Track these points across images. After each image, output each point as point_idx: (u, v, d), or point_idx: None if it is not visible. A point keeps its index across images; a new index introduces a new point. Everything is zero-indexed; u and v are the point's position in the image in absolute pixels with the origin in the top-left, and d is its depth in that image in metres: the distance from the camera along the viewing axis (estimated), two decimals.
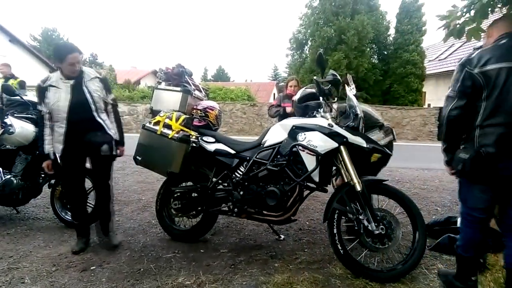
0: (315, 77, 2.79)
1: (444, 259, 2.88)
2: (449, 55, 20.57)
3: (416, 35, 18.12)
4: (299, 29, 19.66)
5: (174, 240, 3.24)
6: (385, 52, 19.37)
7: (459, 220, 3.19)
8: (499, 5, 2.76)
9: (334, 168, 2.85)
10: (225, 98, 16.48)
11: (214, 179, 3.11)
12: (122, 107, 14.26)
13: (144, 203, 4.39)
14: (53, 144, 2.84)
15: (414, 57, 17.61)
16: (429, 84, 19.74)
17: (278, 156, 2.84)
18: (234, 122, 14.44)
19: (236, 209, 2.96)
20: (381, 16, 19.16)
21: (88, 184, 3.60)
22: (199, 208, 3.16)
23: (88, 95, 2.85)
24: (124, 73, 27.34)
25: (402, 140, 12.91)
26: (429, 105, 19.44)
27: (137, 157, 3.15)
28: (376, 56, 19.67)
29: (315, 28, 18.15)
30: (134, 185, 5.29)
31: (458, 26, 2.68)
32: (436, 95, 19.94)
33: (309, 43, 19.15)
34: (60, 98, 2.75)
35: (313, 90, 2.95)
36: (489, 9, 2.64)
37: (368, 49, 18.78)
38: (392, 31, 19.31)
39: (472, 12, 2.67)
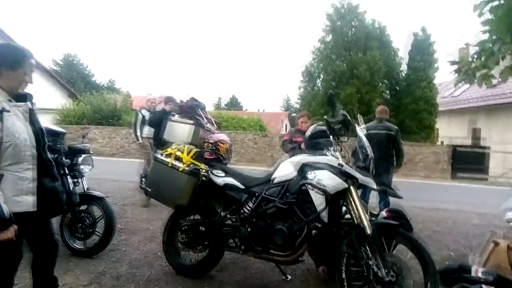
0: (325, 117, 2.82)
1: None
2: (462, 92, 20.57)
3: (429, 71, 18.25)
4: (311, 62, 20.03)
5: (179, 274, 3.19)
6: (397, 88, 19.49)
7: (473, 268, 3.08)
8: (509, 52, 2.80)
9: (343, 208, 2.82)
10: (238, 128, 16.66)
11: (222, 213, 3.10)
12: None
13: (152, 232, 4.36)
14: (12, 199, 1.87)
15: (426, 93, 17.65)
16: (442, 121, 19.65)
17: (287, 194, 2.82)
18: (245, 152, 14.50)
19: (243, 246, 2.92)
20: (393, 52, 19.44)
21: (97, 212, 3.64)
22: (206, 243, 3.13)
23: (40, 123, 2.13)
24: (140, 100, 28.00)
25: (414, 177, 12.71)
26: (442, 142, 19.24)
27: (147, 188, 3.17)
28: (388, 92, 19.77)
29: (328, 62, 18.48)
30: (143, 213, 5.29)
31: (469, 71, 2.72)
32: (448, 132, 19.78)
33: (321, 76, 19.44)
34: (21, 128, 1.94)
35: (324, 128, 2.97)
36: (500, 56, 2.68)
37: (380, 84, 18.94)
38: (404, 67, 19.52)
39: (483, 59, 2.71)
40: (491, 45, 2.84)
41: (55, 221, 3.93)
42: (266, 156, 14.31)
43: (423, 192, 9.12)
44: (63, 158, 3.52)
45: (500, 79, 2.82)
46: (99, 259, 3.47)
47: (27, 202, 1.94)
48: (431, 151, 14.24)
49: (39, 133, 2.09)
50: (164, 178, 3.10)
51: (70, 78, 34.59)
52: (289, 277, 3.24)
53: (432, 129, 18.28)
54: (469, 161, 13.09)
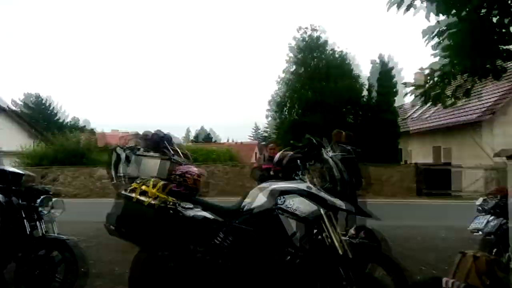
0: (291, 141, 2.86)
1: None
2: (420, 113, 21.67)
3: (389, 96, 19.21)
4: (277, 92, 20.61)
5: None
6: (360, 112, 20.28)
7: (443, 280, 3.11)
8: (459, 74, 3.01)
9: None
10: (207, 160, 16.51)
11: (191, 247, 2.98)
12: (101, 171, 13.99)
13: (117, 275, 4.10)
14: None
15: (387, 116, 18.46)
16: (404, 142, 20.49)
17: (258, 221, 2.77)
18: (216, 183, 14.31)
19: (214, 280, 2.80)
20: (353, 80, 20.37)
21: (58, 256, 3.40)
22: (176, 279, 2.97)
23: None
24: (107, 136, 27.30)
25: (381, 197, 12.98)
26: (405, 161, 19.98)
27: (111, 226, 3.01)
28: (352, 117, 20.51)
29: (293, 91, 19.10)
30: (109, 255, 5.00)
31: (424, 92, 2.88)
32: (412, 152, 20.60)
33: (288, 104, 19.97)
34: None
35: (291, 153, 3.01)
36: (451, 77, 2.86)
37: (344, 109, 19.66)
38: (365, 93, 20.45)
39: (435, 79, 2.89)
40: (442, 67, 3.05)
41: (10, 269, 3.63)
42: (237, 186, 14.19)
43: (390, 211, 9.27)
44: (20, 201, 3.32)
45: (453, 99, 3.00)
46: None
47: None
48: (395, 170, 14.72)
49: None
50: (128, 215, 2.96)
51: (32, 118, 33.24)
52: None
53: (396, 150, 19.00)
54: (432, 178, 13.59)
